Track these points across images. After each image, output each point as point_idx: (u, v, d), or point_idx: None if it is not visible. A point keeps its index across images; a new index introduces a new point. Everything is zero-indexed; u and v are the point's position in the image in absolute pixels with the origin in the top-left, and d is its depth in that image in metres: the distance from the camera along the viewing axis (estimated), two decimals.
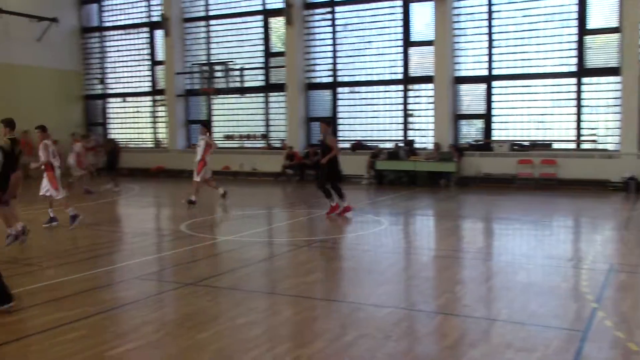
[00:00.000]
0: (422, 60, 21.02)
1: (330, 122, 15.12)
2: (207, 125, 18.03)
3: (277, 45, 23.48)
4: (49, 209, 11.98)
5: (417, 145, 20.75)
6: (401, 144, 20.61)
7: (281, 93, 23.15)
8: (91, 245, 10.47)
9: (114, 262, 9.31)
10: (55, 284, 7.69)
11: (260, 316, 6.28)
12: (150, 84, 26.22)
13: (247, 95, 24.02)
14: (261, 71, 23.69)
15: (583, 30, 18.49)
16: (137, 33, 26.29)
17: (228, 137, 24.58)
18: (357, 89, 22.20)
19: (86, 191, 17.63)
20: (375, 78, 21.74)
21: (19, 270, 8.47)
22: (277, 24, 23.17)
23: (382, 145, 21.29)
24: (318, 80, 22.82)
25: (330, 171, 13.22)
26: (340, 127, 22.50)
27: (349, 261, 9.25)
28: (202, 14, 24.73)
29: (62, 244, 10.73)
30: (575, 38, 18.60)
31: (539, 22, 19.12)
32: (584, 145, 19.00)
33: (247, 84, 23.71)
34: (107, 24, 27.03)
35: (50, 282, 7.76)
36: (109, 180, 19.18)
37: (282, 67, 22.90)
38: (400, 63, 21.16)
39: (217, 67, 23.85)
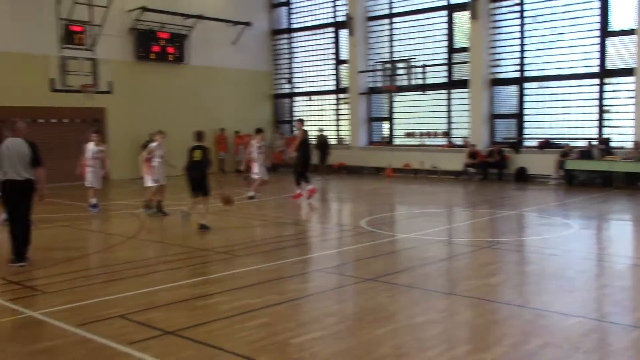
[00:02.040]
0: (621, 52, 19.32)
1: (304, 121, 16.70)
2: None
3: (461, 40, 22.98)
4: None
5: (613, 144, 19.15)
6: (595, 142, 19.15)
7: (464, 89, 22.62)
8: (277, 238, 11.04)
9: (297, 254, 9.72)
10: (243, 272, 8.21)
11: (438, 316, 6.19)
12: (334, 82, 27.01)
13: (429, 92, 23.80)
14: (444, 67, 23.34)
15: None
16: (323, 33, 27.20)
17: (409, 135, 24.55)
18: (546, 83, 21.01)
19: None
20: (566, 72, 20.40)
21: (213, 258, 9.18)
22: (462, 18, 22.67)
23: (572, 144, 19.93)
24: (504, 75, 21.94)
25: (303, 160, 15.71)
26: (526, 125, 21.46)
27: (533, 265, 8.79)
28: (386, 11, 24.92)
29: (251, 235, 11.44)
30: None
31: None
32: None
33: (429, 81, 23.49)
34: (295, 26, 28.28)
35: (238, 271, 8.29)
36: (320, 174, 20.39)
37: (466, 62, 22.36)
38: (596, 55, 19.64)
39: (400, 65, 23.90)
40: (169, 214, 13.41)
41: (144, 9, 23.09)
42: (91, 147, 14.23)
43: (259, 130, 16.67)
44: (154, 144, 13.55)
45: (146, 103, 23.89)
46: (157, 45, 24.06)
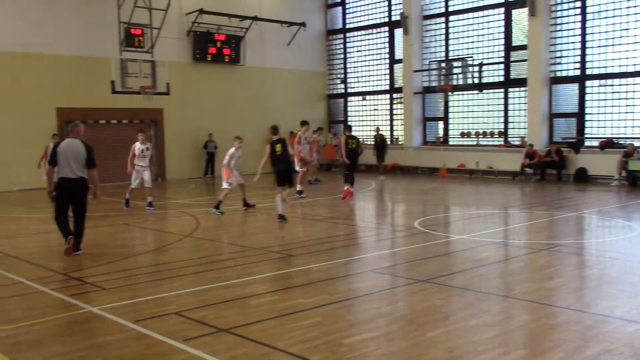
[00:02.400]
0: None
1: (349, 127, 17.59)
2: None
3: (519, 38, 22.51)
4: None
5: None
6: None
7: (522, 88, 22.15)
8: (329, 238, 11.05)
9: (350, 254, 9.71)
10: (296, 271, 8.25)
11: (493, 319, 6.07)
12: (388, 82, 26.87)
13: (485, 91, 23.40)
14: (501, 66, 22.90)
15: None
16: (378, 33, 27.10)
17: (464, 135, 24.20)
18: (609, 81, 20.35)
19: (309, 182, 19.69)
20: (631, 69, 19.72)
21: (266, 257, 9.25)
22: (520, 15, 22.20)
23: (637, 144, 19.23)
24: (564, 73, 21.37)
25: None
26: (587, 124, 20.85)
27: (593, 269, 8.52)
28: (442, 10, 24.65)
29: (303, 235, 11.49)
30: None
31: None
32: None
33: (485, 80, 23.11)
34: (350, 26, 28.27)
35: (291, 270, 8.34)
36: (379, 174, 20.57)
37: (524, 60, 21.89)
38: None
39: (455, 63, 23.60)
40: (255, 206, 14.37)
41: (202, 11, 23.50)
42: (138, 146, 14.63)
43: (303, 123, 17.38)
44: (232, 150, 13.91)
45: (202, 104, 24.31)
46: (214, 47, 24.46)
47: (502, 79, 22.88)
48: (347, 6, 28.24)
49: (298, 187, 16.67)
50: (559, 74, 21.42)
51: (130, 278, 8.05)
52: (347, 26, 28.37)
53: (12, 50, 19.90)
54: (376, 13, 27.11)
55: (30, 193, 18.65)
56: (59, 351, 5.34)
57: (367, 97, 27.88)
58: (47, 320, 6.26)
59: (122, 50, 19.50)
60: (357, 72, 28.19)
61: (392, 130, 26.90)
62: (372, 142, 23.41)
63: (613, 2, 19.93)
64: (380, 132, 23.18)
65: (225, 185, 13.91)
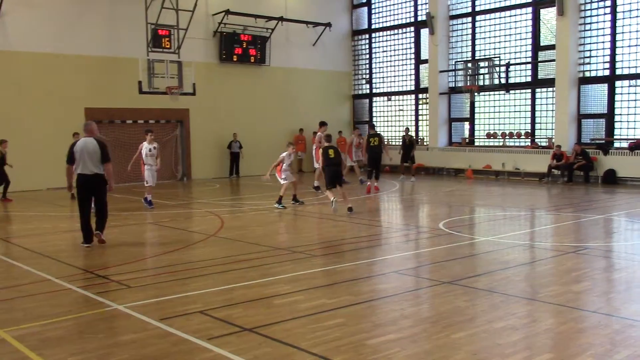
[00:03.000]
0: None
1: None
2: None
3: (547, 37, 22.23)
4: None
5: None
6: None
7: (550, 88, 21.88)
8: (354, 238, 11.03)
9: (374, 255, 9.67)
10: (319, 272, 8.24)
11: (519, 322, 6.00)
12: (413, 82, 26.73)
13: (512, 91, 23.17)
14: (528, 66, 22.65)
15: None
16: (404, 33, 26.99)
17: (490, 135, 23.98)
18: (639, 81, 19.99)
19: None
20: None
21: (290, 257, 9.26)
22: (548, 15, 21.93)
23: None
24: (593, 73, 21.06)
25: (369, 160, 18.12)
26: (617, 125, 20.51)
27: (622, 272, 8.37)
28: (468, 10, 24.46)
29: (327, 235, 11.48)
30: None
31: None
32: None
33: (512, 80, 22.88)
34: (376, 26, 28.20)
35: (315, 270, 8.34)
36: (406, 173, 20.49)
37: (552, 60, 21.62)
38: None
39: (482, 64, 23.40)
40: (303, 203, 15.37)
41: (228, 12, 23.63)
42: (145, 145, 15.24)
43: (322, 124, 17.49)
44: (284, 153, 14.85)
45: (228, 104, 24.45)
46: (240, 48, 24.58)
47: (529, 79, 22.63)
48: (373, 6, 28.18)
49: (315, 183, 17.97)
50: (587, 74, 21.11)
51: (155, 276, 8.12)
52: (373, 26, 28.30)
53: (44, 50, 20.26)
54: (402, 13, 27.00)
55: (59, 192, 18.92)
56: (84, 348, 5.40)
57: (393, 97, 27.78)
58: (74, 317, 6.34)
59: (149, 51, 19.70)
60: (383, 72, 28.11)
61: (417, 130, 26.76)
62: (400, 143, 23.31)
63: None
64: (409, 133, 23.01)
65: (282, 181, 14.91)
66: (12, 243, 10.76)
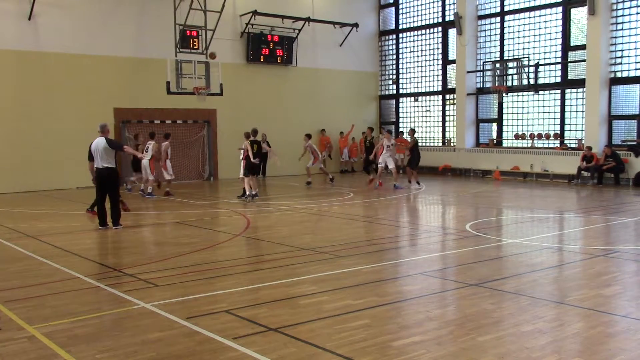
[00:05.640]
0: None
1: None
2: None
3: (577, 37, 21.91)
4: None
5: None
6: None
7: (580, 89, 21.55)
8: (380, 239, 10.99)
9: (400, 256, 9.63)
10: (345, 272, 8.23)
11: (547, 325, 5.91)
12: (441, 83, 26.56)
13: (541, 92, 22.88)
14: (558, 66, 22.35)
15: None
16: (431, 33, 26.83)
17: (518, 137, 23.71)
18: None
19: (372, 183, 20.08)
20: None
21: (315, 257, 9.26)
22: (579, 14, 21.61)
23: None
24: (624, 74, 20.69)
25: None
26: None
27: None
28: (497, 10, 24.23)
29: (353, 236, 11.45)
30: None
31: None
32: None
33: (541, 80, 22.59)
34: (403, 26, 28.07)
35: (341, 271, 8.32)
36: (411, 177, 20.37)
37: (582, 61, 21.30)
38: None
39: (510, 64, 23.15)
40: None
41: (255, 12, 23.74)
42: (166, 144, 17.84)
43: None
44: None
45: (254, 104, 24.55)
46: (267, 48, 24.67)
47: (559, 79, 22.33)
48: (400, 6, 28.05)
49: (330, 176, 21.06)
50: (619, 74, 20.75)
51: (182, 275, 8.19)
52: (400, 27, 28.18)
53: (74, 52, 20.57)
54: (429, 13, 26.84)
55: (89, 190, 19.17)
56: (112, 345, 5.47)
57: (419, 98, 27.63)
58: (102, 315, 6.43)
59: (177, 51, 19.88)
60: (410, 72, 27.97)
61: (444, 131, 26.58)
62: (420, 144, 23.05)
63: None
64: (414, 136, 20.77)
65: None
66: (42, 241, 10.94)
